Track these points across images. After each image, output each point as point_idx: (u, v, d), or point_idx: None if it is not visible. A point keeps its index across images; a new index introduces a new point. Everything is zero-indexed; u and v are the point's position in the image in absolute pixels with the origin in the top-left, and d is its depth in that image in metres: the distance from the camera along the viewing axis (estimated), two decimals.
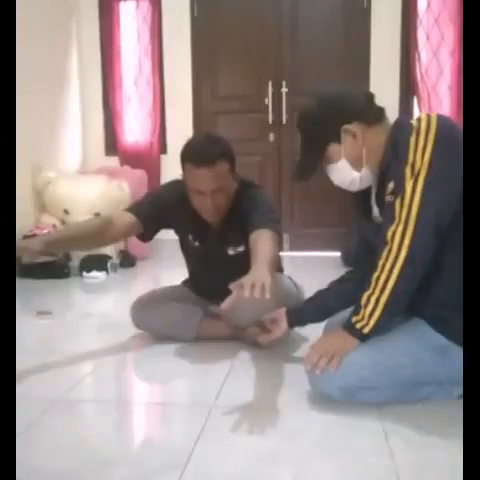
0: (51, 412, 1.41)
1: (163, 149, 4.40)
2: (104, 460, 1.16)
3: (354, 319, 1.35)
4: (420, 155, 1.26)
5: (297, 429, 1.29)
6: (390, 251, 1.29)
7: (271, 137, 4.24)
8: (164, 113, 4.37)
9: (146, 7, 4.27)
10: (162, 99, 4.34)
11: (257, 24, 4.17)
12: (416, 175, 1.27)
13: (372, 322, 1.32)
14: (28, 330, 2.15)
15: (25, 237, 3.29)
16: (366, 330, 1.33)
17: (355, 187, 1.47)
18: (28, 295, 2.80)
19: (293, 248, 4.23)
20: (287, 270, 2.11)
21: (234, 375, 1.64)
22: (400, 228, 1.28)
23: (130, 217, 1.83)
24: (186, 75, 4.30)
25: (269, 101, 4.17)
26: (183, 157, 1.77)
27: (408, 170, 1.27)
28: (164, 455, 1.18)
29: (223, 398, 1.48)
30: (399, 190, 1.30)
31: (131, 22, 4.33)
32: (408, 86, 3.99)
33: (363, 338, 1.35)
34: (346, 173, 1.44)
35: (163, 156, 4.39)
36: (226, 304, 1.36)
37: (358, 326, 1.34)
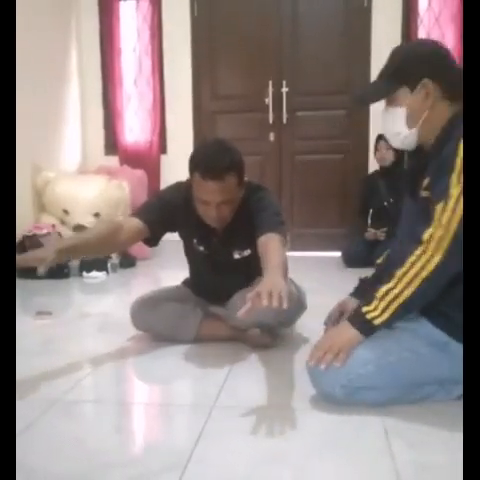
0: (50, 413, 1.40)
1: (163, 149, 4.40)
2: (103, 461, 1.16)
3: (365, 309, 1.34)
4: None
5: (298, 429, 1.29)
6: (425, 252, 1.28)
7: (271, 137, 4.24)
8: (164, 113, 4.37)
9: (146, 6, 4.27)
10: (162, 99, 4.34)
11: (257, 24, 4.17)
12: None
13: (386, 315, 1.31)
14: (27, 330, 2.15)
15: (25, 237, 3.29)
16: (377, 321, 1.32)
17: (396, 142, 1.46)
18: (28, 295, 2.80)
19: (293, 248, 4.21)
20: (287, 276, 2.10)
21: (234, 376, 1.64)
22: (439, 233, 1.27)
23: (137, 222, 1.81)
24: (186, 74, 4.30)
25: (269, 101, 4.17)
26: (191, 165, 1.75)
27: (455, 177, 1.26)
28: (164, 456, 1.17)
29: (223, 399, 1.47)
30: (435, 190, 1.30)
31: (131, 21, 4.33)
32: None
33: (371, 330, 1.33)
34: (398, 123, 1.42)
35: (163, 156, 4.39)
36: (242, 313, 1.35)
37: (369, 317, 1.33)
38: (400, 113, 1.41)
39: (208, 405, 1.43)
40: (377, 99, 1.46)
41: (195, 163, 1.74)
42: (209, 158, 1.71)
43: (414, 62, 1.39)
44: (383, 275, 1.60)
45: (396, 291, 1.31)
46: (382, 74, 1.44)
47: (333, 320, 1.68)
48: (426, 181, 1.35)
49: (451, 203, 1.26)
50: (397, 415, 1.34)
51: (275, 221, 1.76)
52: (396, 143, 1.48)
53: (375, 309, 1.32)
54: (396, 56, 1.43)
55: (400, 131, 1.43)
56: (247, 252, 1.87)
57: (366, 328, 1.34)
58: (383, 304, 1.32)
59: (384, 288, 1.33)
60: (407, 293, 1.30)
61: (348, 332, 1.36)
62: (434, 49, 1.42)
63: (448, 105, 1.38)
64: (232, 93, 4.30)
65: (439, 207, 1.28)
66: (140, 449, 1.25)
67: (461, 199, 1.25)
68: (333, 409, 1.37)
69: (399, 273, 1.31)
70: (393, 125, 1.44)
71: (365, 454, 1.18)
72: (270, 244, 1.65)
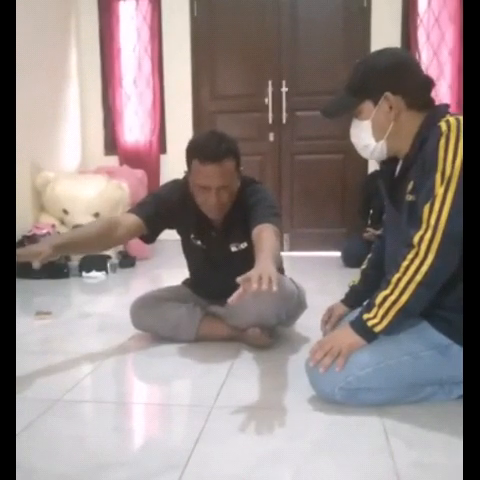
0: (50, 413, 1.40)
1: (163, 149, 4.40)
2: (103, 461, 1.16)
3: (365, 316, 1.34)
4: (450, 162, 1.25)
5: (297, 430, 1.29)
6: (417, 255, 1.28)
7: (271, 137, 4.24)
8: (164, 112, 4.37)
9: (146, 6, 4.27)
10: (162, 98, 4.34)
11: (257, 23, 4.17)
12: (447, 182, 1.25)
13: (385, 322, 1.31)
14: (27, 330, 2.14)
15: (24, 237, 3.29)
16: (377, 329, 1.32)
17: (366, 154, 1.47)
18: (27, 295, 2.80)
19: (293, 248, 4.23)
20: (287, 270, 2.11)
21: (234, 376, 1.64)
22: (428, 234, 1.26)
23: (134, 218, 1.82)
24: (186, 74, 4.30)
25: (269, 101, 4.17)
26: (189, 154, 1.77)
27: (438, 176, 1.26)
28: (163, 456, 1.17)
29: (223, 399, 1.47)
30: (421, 192, 1.29)
31: (131, 21, 4.33)
32: None
33: (372, 337, 1.34)
34: (364, 135, 1.43)
35: (162, 156, 4.39)
36: (234, 299, 1.34)
37: (369, 324, 1.33)
38: (366, 126, 1.42)
39: (208, 405, 1.43)
40: (342, 113, 1.46)
41: (193, 151, 1.76)
42: (206, 144, 1.74)
43: (374, 77, 1.38)
44: (370, 280, 1.63)
45: (393, 297, 1.30)
46: (347, 87, 1.44)
47: (322, 324, 1.73)
48: (410, 185, 1.35)
49: (437, 203, 1.26)
50: (396, 415, 1.34)
51: (269, 213, 1.77)
52: (366, 155, 1.48)
53: (375, 316, 1.32)
54: (357, 70, 1.42)
55: (368, 143, 1.43)
56: (244, 245, 1.88)
57: (367, 335, 1.34)
58: (382, 311, 1.31)
59: (381, 295, 1.32)
60: (404, 298, 1.29)
61: (350, 337, 1.36)
62: (395, 60, 1.40)
63: (415, 114, 1.38)
64: (232, 93, 4.30)
65: (426, 208, 1.28)
66: (140, 449, 1.25)
67: (447, 198, 1.25)
68: (332, 409, 1.37)
69: (394, 279, 1.31)
70: (361, 138, 1.44)
71: (365, 454, 1.17)
72: (263, 233, 1.66)
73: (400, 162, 1.44)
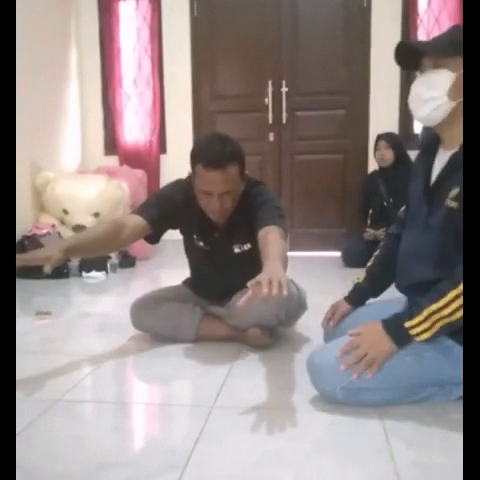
0: (50, 413, 1.40)
1: (163, 149, 4.40)
2: (103, 461, 1.16)
3: (408, 324, 1.31)
4: None
5: (298, 429, 1.29)
6: None
7: (271, 137, 4.24)
8: (164, 112, 4.37)
9: (146, 6, 4.27)
10: (162, 98, 4.34)
11: (257, 23, 4.17)
12: None
13: (429, 334, 1.29)
14: (27, 330, 2.14)
15: (24, 237, 3.29)
16: (420, 338, 1.30)
17: (424, 110, 1.35)
18: (27, 295, 2.80)
19: (293, 248, 4.22)
20: (287, 270, 2.10)
21: (234, 376, 1.64)
22: None
23: (139, 219, 1.82)
24: (186, 74, 4.30)
25: (269, 101, 4.17)
26: (193, 158, 1.77)
27: None
28: (163, 456, 1.17)
29: (223, 399, 1.47)
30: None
31: (131, 21, 4.33)
32: (409, 85, 3.98)
33: (409, 344, 1.32)
34: (439, 85, 1.31)
35: (163, 156, 4.39)
36: (243, 302, 1.33)
37: (412, 332, 1.30)
38: (446, 77, 1.30)
39: (208, 405, 1.43)
40: (436, 47, 1.33)
41: (197, 155, 1.75)
42: (211, 149, 1.72)
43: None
44: (375, 278, 1.64)
45: (447, 312, 1.26)
46: (448, 39, 1.32)
47: (325, 321, 1.71)
48: (455, 191, 1.29)
49: None
50: (396, 416, 1.34)
51: (275, 214, 1.77)
52: (423, 111, 1.35)
53: (418, 325, 1.29)
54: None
55: (437, 97, 1.31)
56: (247, 246, 1.88)
57: (405, 342, 1.32)
58: (428, 323, 1.28)
59: (432, 307, 1.28)
60: (459, 315, 1.25)
61: (384, 344, 1.33)
62: None
63: None
64: (232, 93, 4.30)
65: None
66: (140, 449, 1.25)
67: None
68: (333, 409, 1.37)
69: (451, 294, 1.26)
70: (434, 87, 1.32)
71: (365, 454, 1.17)
72: (270, 236, 1.65)
73: (441, 154, 1.37)
